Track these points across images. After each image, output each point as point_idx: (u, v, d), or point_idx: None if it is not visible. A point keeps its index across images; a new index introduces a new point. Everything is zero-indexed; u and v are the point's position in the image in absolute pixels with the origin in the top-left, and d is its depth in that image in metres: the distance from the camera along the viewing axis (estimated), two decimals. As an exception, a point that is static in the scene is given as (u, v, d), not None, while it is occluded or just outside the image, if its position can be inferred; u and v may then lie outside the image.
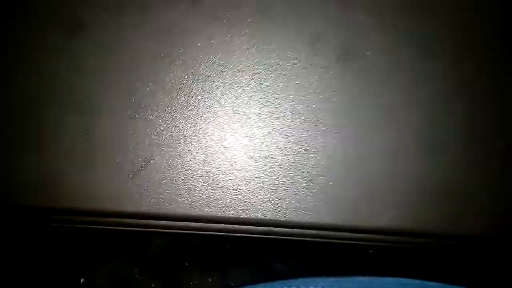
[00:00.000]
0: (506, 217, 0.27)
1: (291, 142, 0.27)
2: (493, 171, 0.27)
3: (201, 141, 0.27)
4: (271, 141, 0.27)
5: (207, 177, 0.26)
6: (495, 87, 0.27)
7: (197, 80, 0.27)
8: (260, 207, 0.26)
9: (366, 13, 0.28)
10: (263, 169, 0.27)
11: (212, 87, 0.27)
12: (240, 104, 0.27)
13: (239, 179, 0.26)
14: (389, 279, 0.26)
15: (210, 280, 0.31)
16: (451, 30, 0.28)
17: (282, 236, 0.28)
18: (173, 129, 0.26)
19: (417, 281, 0.26)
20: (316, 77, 0.27)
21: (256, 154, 0.27)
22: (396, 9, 0.28)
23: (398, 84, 0.27)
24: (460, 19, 0.28)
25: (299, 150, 0.27)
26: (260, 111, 0.27)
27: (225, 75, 0.27)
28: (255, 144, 0.27)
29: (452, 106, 0.27)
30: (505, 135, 0.27)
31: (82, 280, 0.30)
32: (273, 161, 0.27)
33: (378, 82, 0.27)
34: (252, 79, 0.27)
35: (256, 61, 0.27)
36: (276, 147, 0.27)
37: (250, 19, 0.27)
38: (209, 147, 0.27)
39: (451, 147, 0.27)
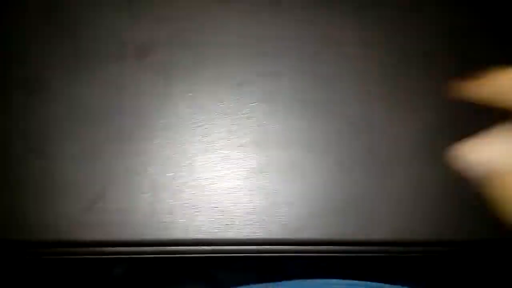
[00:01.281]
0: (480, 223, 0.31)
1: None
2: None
3: (148, 172, 0.31)
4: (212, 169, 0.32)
5: (156, 204, 0.30)
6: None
7: (143, 127, 0.32)
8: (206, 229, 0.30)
9: (283, 64, 0.34)
10: (206, 193, 0.31)
11: (153, 132, 0.32)
12: (183, 143, 0.32)
13: (185, 204, 0.31)
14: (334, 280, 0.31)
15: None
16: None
17: (231, 253, 0.32)
18: (121, 166, 0.31)
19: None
20: (244, 115, 0.33)
21: (200, 182, 0.31)
22: (307, 56, 0.34)
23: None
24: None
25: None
26: (202, 144, 0.32)
27: (166, 122, 0.32)
28: (197, 173, 0.31)
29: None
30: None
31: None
32: (219, 187, 0.31)
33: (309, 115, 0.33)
34: (192, 122, 0.32)
35: (193, 106, 0.33)
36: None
37: (187, 70, 0.33)
38: (156, 177, 0.31)
39: (401, 162, 0.32)
